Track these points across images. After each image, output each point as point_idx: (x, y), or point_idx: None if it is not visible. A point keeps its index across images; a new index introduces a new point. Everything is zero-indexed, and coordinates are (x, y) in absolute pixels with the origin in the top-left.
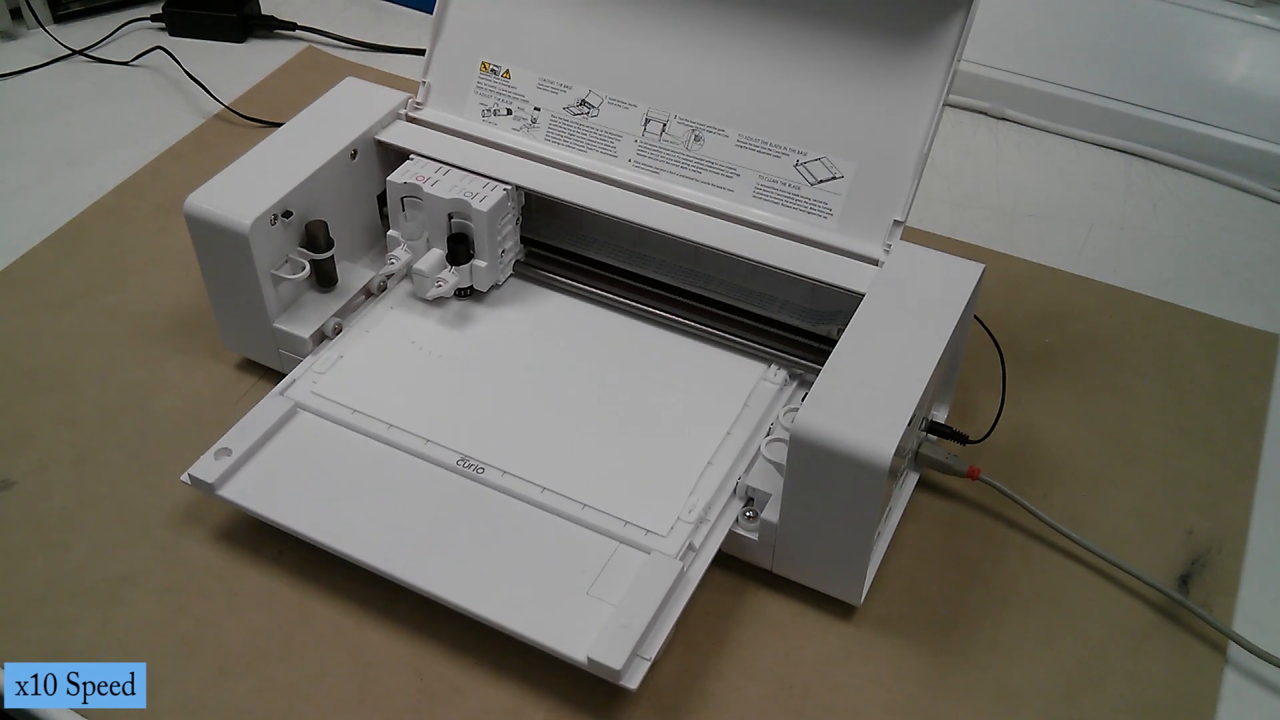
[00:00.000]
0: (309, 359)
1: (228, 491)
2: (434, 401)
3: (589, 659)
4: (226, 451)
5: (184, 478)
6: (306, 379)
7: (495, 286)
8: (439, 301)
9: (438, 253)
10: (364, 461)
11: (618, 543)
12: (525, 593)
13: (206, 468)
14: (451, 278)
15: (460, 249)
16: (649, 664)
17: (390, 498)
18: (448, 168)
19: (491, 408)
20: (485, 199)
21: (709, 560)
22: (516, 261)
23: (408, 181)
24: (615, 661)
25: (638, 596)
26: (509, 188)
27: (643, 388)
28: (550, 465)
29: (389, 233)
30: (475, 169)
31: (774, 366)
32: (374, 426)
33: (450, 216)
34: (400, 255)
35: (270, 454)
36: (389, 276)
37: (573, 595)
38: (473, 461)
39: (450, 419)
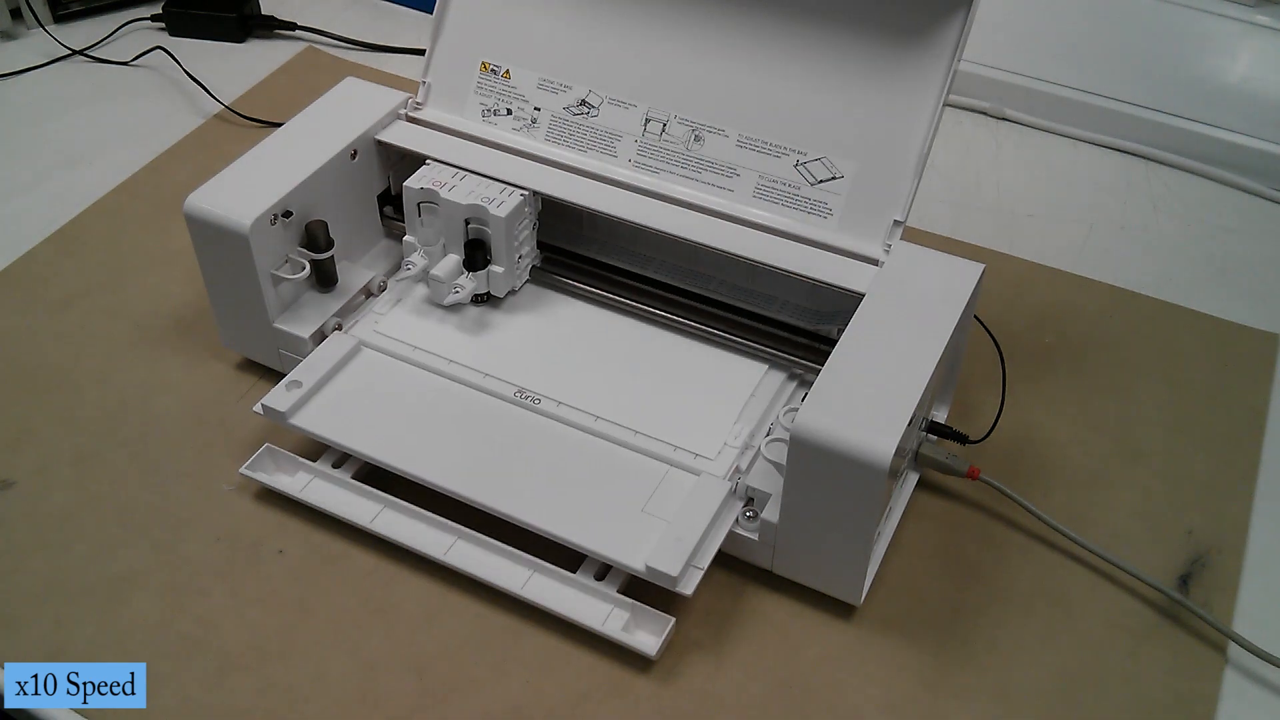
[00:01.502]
0: (369, 303)
1: (300, 420)
2: (491, 342)
3: (647, 567)
4: (297, 384)
5: (256, 408)
6: (369, 319)
7: (512, 292)
8: (443, 305)
9: (454, 258)
10: (426, 394)
11: (669, 466)
12: (584, 511)
13: (279, 398)
14: (469, 284)
15: (477, 255)
16: (701, 573)
17: (452, 426)
18: (464, 173)
19: (546, 346)
20: (502, 204)
21: (746, 489)
22: (533, 267)
23: (425, 187)
24: (672, 569)
25: (689, 512)
26: (526, 193)
27: (685, 342)
28: (603, 398)
29: (405, 238)
30: (491, 174)
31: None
32: (434, 362)
33: (467, 222)
34: (417, 261)
35: (337, 387)
36: (394, 279)
37: (629, 513)
38: (529, 393)
39: (507, 357)
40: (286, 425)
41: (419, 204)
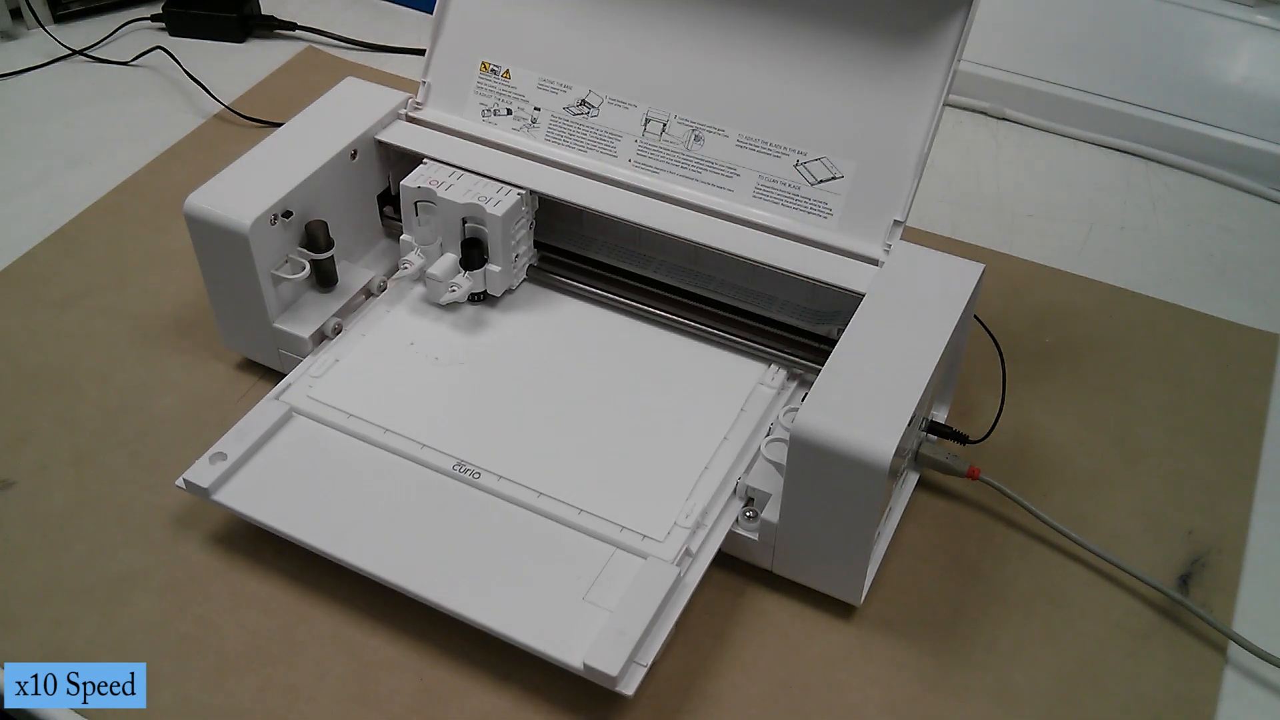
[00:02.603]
0: (306, 362)
1: (223, 496)
2: (430, 406)
3: (585, 665)
4: (222, 456)
5: (179, 482)
6: (302, 383)
7: (509, 291)
8: (440, 304)
9: (451, 257)
10: (360, 466)
11: (614, 548)
12: (521, 598)
13: (202, 472)
14: (465, 283)
15: (474, 254)
16: (645, 670)
17: (386, 503)
18: (461, 172)
19: (488, 412)
20: (499, 203)
21: (706, 564)
22: (530, 265)
23: (421, 186)
24: (611, 668)
25: (634, 602)
26: (523, 192)
27: (640, 391)
28: (546, 470)
29: (402, 237)
30: (488, 173)
31: (773, 367)
32: (370, 431)
33: (464, 221)
34: (414, 260)
35: (266, 458)
36: (391, 279)
37: (569, 601)
38: (469, 466)
39: (446, 424)
40: (210, 502)
41: (416, 203)
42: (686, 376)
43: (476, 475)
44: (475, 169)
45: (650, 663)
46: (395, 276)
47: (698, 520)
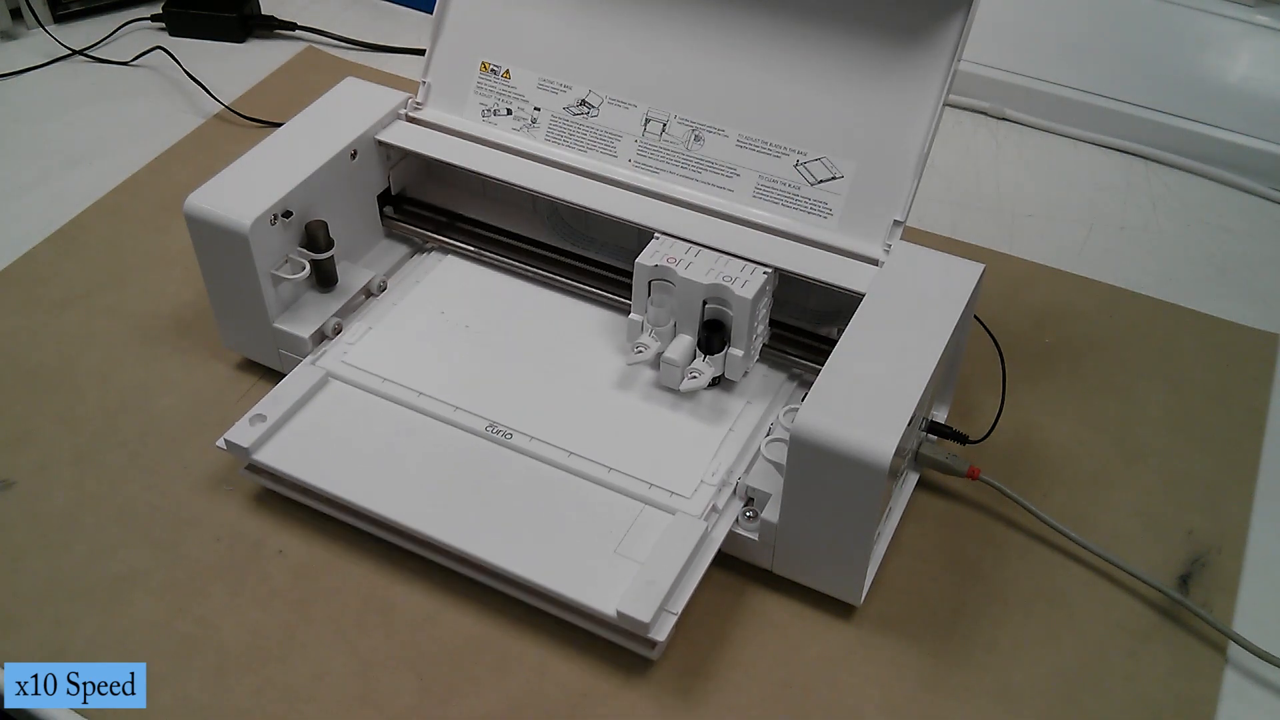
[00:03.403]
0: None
1: (263, 455)
2: (462, 371)
3: (618, 612)
4: (261, 417)
5: (219, 443)
6: (337, 349)
7: (745, 373)
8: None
9: (687, 339)
10: (395, 428)
11: (643, 504)
12: (555, 551)
13: (242, 433)
14: (707, 369)
15: (715, 337)
16: (675, 618)
17: (421, 462)
18: (699, 248)
19: (518, 377)
20: (746, 284)
21: (728, 527)
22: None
23: (659, 264)
24: (644, 615)
25: (664, 554)
26: (769, 271)
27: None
28: (576, 432)
29: (631, 316)
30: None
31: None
32: (404, 394)
33: (704, 302)
34: (649, 343)
35: (303, 420)
36: (628, 363)
37: (601, 554)
38: (501, 427)
39: (478, 388)
40: (250, 461)
41: (650, 281)
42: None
43: (509, 436)
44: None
45: (680, 611)
46: (630, 362)
47: (723, 478)
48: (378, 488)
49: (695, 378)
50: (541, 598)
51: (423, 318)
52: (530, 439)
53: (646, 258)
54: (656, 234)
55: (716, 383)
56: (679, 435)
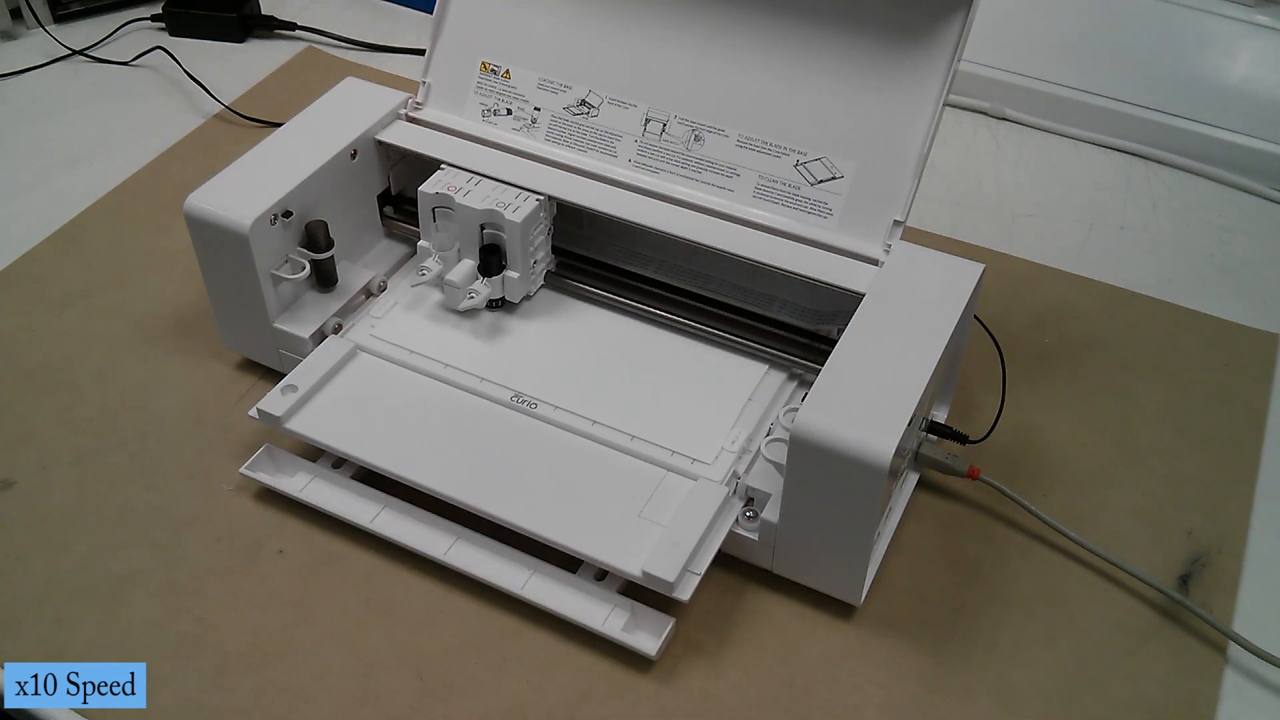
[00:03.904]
0: (365, 306)
1: (295, 424)
2: (488, 344)
3: (644, 572)
4: (292, 388)
5: (252, 412)
6: (364, 323)
7: (527, 297)
8: (458, 310)
9: (469, 264)
10: (422, 399)
11: (665, 471)
12: (580, 516)
13: (274, 402)
14: (483, 289)
15: (492, 260)
16: (698, 578)
17: (448, 431)
18: (479, 178)
19: (542, 351)
20: (518, 209)
21: (745, 493)
22: (548, 272)
23: (440, 192)
24: (669, 574)
25: (687, 517)
26: (541, 198)
27: (683, 343)
28: (600, 402)
29: (420, 243)
30: (494, 175)
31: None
32: (431, 366)
33: (482, 227)
34: (432, 266)
35: (333, 391)
36: (411, 285)
37: (625, 518)
38: (526, 397)
39: (503, 361)
40: (282, 430)
41: (434, 209)
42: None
43: (534, 405)
44: (493, 174)
45: (703, 571)
46: (414, 283)
47: (744, 446)
48: (406, 455)
49: (473, 297)
50: (538, 608)
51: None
52: (555, 409)
53: (429, 186)
54: (442, 165)
55: (499, 305)
56: (700, 405)
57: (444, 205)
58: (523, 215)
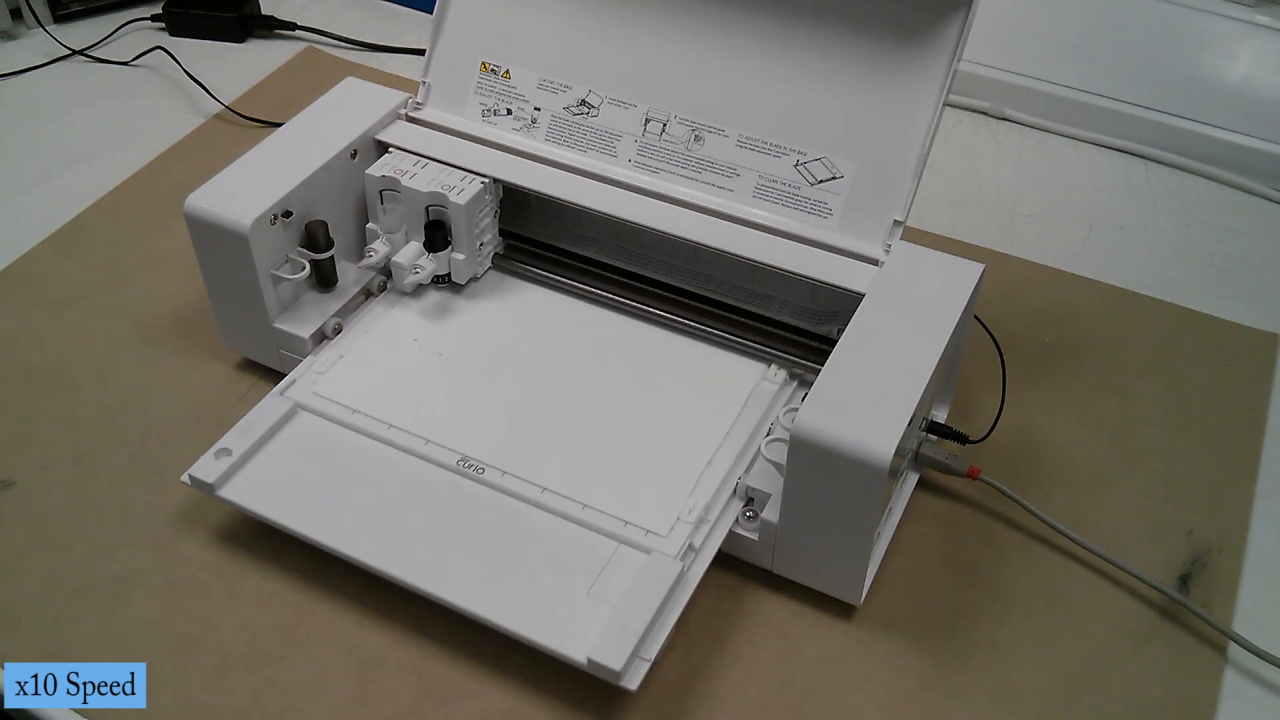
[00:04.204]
0: (309, 359)
1: (228, 492)
2: (434, 402)
3: (589, 660)
4: (226, 451)
5: (184, 478)
6: (307, 379)
7: (474, 279)
8: (435, 299)
9: (416, 245)
10: (364, 462)
11: (618, 543)
12: (525, 593)
13: (207, 468)
14: (429, 264)
15: (437, 236)
16: (649, 665)
17: (390, 498)
18: (426, 160)
19: (492, 408)
20: (463, 192)
21: (709, 560)
22: (496, 255)
23: (386, 175)
24: (615, 662)
25: (638, 597)
26: (486, 180)
27: (642, 388)
28: (550, 465)
29: (368, 225)
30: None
31: (774, 366)
32: (374, 427)
33: (428, 209)
34: (379, 248)
35: (270, 454)
36: (357, 265)
37: (573, 596)
38: (473, 462)
39: (450, 420)
40: (215, 498)
41: (381, 191)
42: (687, 374)
43: (480, 471)
44: (438, 157)
45: (654, 658)
46: (361, 264)
47: (701, 515)
48: (343, 526)
49: (418, 272)
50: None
51: (396, 346)
52: (502, 474)
53: (375, 169)
54: (390, 148)
55: (444, 280)
56: (656, 469)
57: (390, 188)
58: (467, 198)
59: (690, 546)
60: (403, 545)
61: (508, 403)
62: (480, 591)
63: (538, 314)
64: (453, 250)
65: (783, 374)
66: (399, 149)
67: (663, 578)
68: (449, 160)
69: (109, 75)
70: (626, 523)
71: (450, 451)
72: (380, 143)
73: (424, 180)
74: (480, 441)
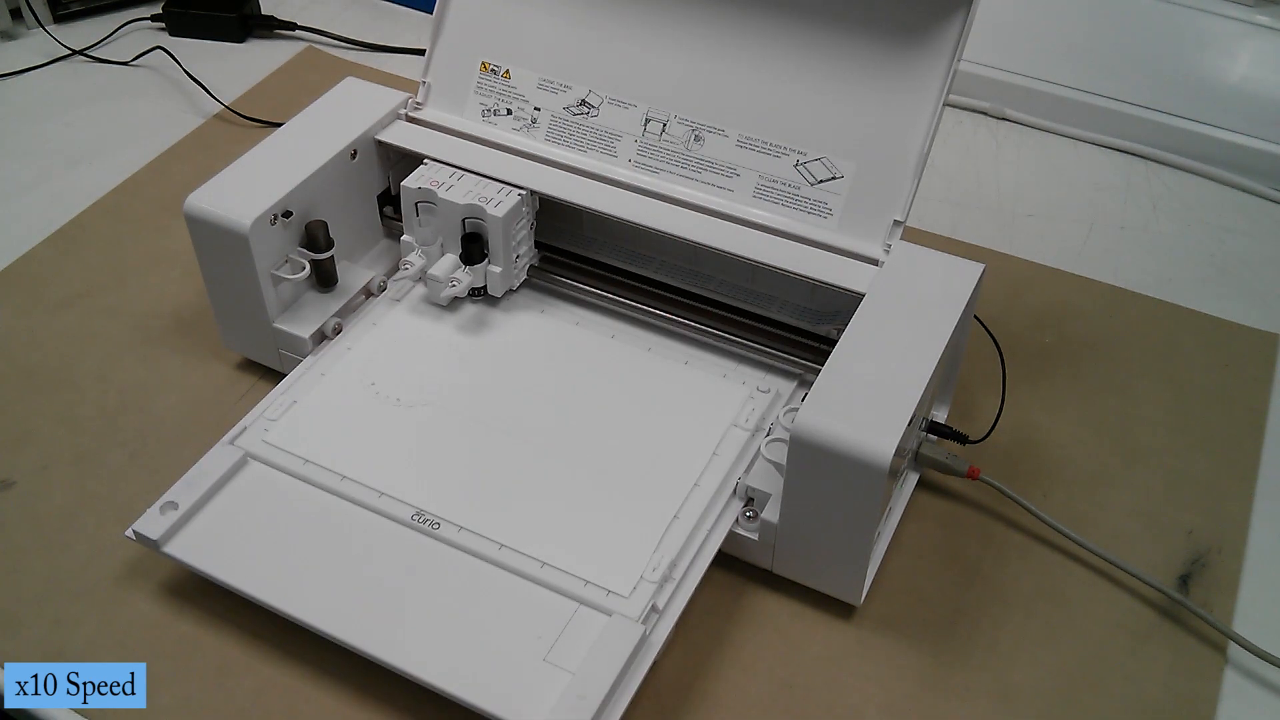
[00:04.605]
0: (264, 402)
1: (174, 548)
2: (390, 451)
3: None
4: (173, 505)
5: (128, 533)
6: (258, 426)
7: (510, 291)
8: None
9: (451, 258)
10: (315, 516)
11: (577, 604)
12: (479, 659)
13: (152, 523)
14: (465, 277)
15: (474, 248)
16: None
17: (341, 555)
18: (461, 172)
19: (450, 457)
20: (500, 204)
21: (673, 622)
22: (531, 266)
23: (422, 187)
24: None
25: (596, 663)
26: (524, 193)
27: (612, 429)
28: (510, 518)
29: (403, 238)
30: (491, 174)
31: (747, 410)
32: (326, 478)
33: (464, 222)
34: (415, 260)
35: (218, 507)
36: (392, 279)
37: (529, 661)
38: (428, 516)
39: (406, 470)
40: (160, 554)
41: (417, 204)
42: (663, 410)
43: (436, 526)
44: (476, 169)
45: None
46: (396, 277)
47: (665, 573)
48: (291, 586)
49: (454, 285)
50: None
51: (351, 391)
52: (459, 529)
53: (411, 181)
54: (425, 160)
55: (480, 294)
56: (620, 523)
57: (426, 200)
58: (504, 210)
59: (654, 608)
60: (352, 606)
61: (467, 451)
62: (430, 657)
63: (515, 332)
64: (489, 263)
65: (758, 415)
66: (433, 159)
67: (623, 642)
68: (487, 172)
69: (109, 75)
70: (587, 582)
71: (405, 505)
72: (380, 143)
73: (460, 192)
74: (437, 493)
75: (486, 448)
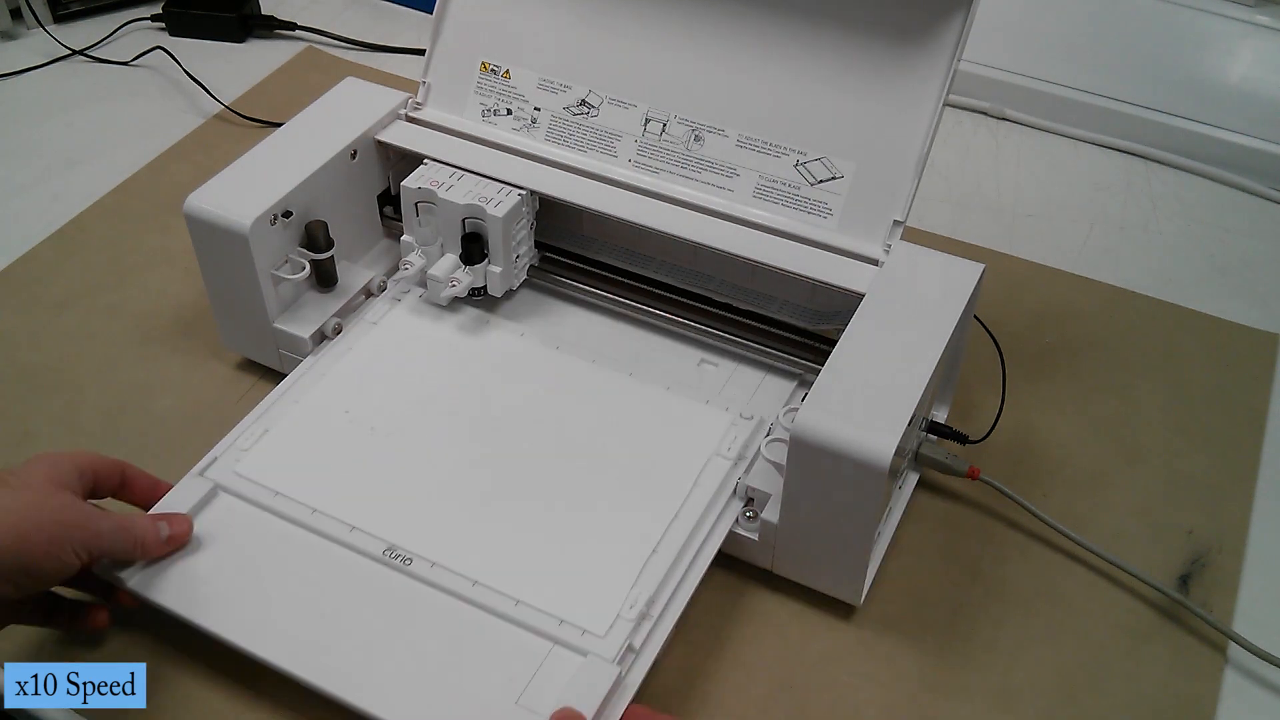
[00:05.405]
0: (235, 431)
1: (138, 584)
2: (363, 482)
3: None
4: None
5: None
6: (229, 455)
7: (510, 291)
8: (440, 303)
9: (451, 258)
10: (285, 551)
11: (552, 643)
12: (449, 702)
13: None
14: (465, 277)
15: (474, 248)
16: None
17: (310, 593)
18: (461, 172)
19: (424, 489)
20: (500, 204)
21: (648, 666)
22: (531, 266)
23: (422, 187)
24: None
25: (570, 707)
26: (524, 193)
27: (592, 458)
28: (483, 554)
29: (403, 238)
30: (491, 174)
31: (729, 439)
32: (297, 511)
33: (464, 221)
34: (414, 260)
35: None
36: (392, 279)
37: (501, 704)
38: (400, 551)
39: (379, 502)
40: (124, 589)
41: (416, 204)
42: (644, 439)
43: (408, 561)
44: (475, 169)
45: None
46: (396, 277)
47: (643, 611)
48: (258, 626)
49: (454, 285)
50: None
51: (325, 419)
52: (431, 565)
53: (411, 181)
54: (425, 160)
55: (480, 294)
56: (597, 559)
57: (426, 200)
58: (504, 210)
59: (630, 647)
60: (320, 647)
61: (441, 481)
62: (400, 700)
63: (507, 344)
64: (489, 263)
65: (740, 443)
66: (433, 159)
67: (598, 684)
68: (487, 172)
69: (109, 75)
70: (562, 621)
71: (377, 540)
72: (380, 143)
73: (460, 192)
74: (409, 527)
75: (461, 479)
